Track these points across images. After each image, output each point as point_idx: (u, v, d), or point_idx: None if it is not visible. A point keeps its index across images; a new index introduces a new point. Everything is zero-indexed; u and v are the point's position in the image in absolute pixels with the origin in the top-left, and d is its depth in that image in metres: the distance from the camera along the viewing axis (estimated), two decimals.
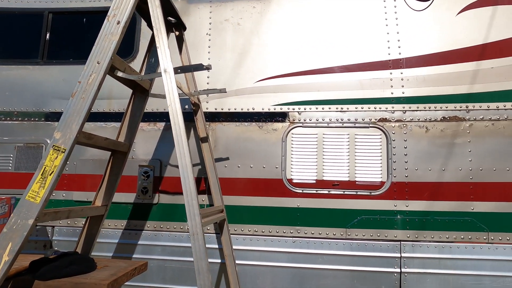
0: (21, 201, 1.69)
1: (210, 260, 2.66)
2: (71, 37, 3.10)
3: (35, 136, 2.94)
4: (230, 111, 2.84)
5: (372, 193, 2.60)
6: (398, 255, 2.53)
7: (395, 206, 2.58)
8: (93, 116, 2.83)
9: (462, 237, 2.52)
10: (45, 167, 1.74)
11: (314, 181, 2.67)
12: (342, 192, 2.63)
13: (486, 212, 2.51)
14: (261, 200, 2.71)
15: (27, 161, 2.91)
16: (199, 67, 2.08)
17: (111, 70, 2.02)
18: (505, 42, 2.64)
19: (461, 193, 2.54)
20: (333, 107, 2.72)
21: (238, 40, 2.89)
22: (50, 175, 1.74)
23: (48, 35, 3.04)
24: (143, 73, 2.44)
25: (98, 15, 3.05)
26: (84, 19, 3.06)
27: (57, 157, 1.75)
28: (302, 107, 2.76)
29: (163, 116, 2.90)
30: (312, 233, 2.63)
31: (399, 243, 2.54)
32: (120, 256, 2.70)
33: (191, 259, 2.68)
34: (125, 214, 2.78)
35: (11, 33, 3.14)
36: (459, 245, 2.51)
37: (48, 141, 2.93)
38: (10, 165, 2.91)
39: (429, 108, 2.64)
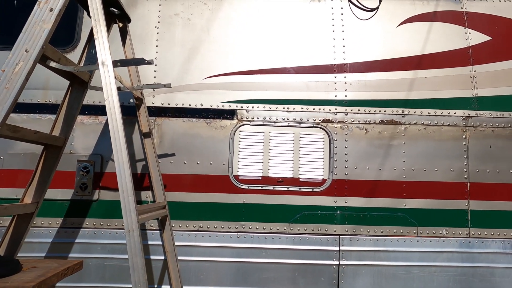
0: None
1: (154, 257, 2.47)
2: None
3: None
4: (178, 106, 2.61)
5: (314, 190, 2.51)
6: (337, 248, 2.47)
7: (335, 202, 2.51)
8: (26, 107, 2.49)
9: (395, 231, 2.52)
10: None
11: (260, 178, 2.53)
12: (286, 189, 2.52)
13: (416, 209, 2.54)
14: (207, 196, 2.53)
15: None
16: (141, 61, 1.88)
17: (42, 60, 1.76)
18: (438, 55, 2.69)
19: (395, 191, 2.54)
20: (280, 106, 2.60)
21: (187, 36, 2.66)
22: None
23: None
24: (82, 64, 2.14)
25: None
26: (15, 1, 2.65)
27: None
28: (250, 106, 2.60)
29: (105, 110, 2.58)
30: (257, 228, 2.49)
31: (338, 237, 2.49)
32: (54, 256, 2.38)
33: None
34: (61, 211, 2.45)
35: None
36: (392, 239, 2.51)
37: None
38: None
39: (369, 111, 2.61)
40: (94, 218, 2.48)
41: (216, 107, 2.61)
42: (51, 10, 1.72)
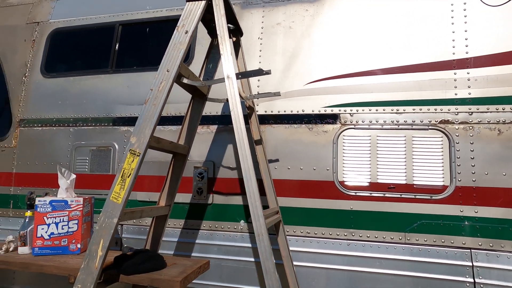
0: (107, 202, 1.65)
1: None
2: (134, 46, 2.92)
3: (105, 140, 2.78)
4: (280, 113, 2.45)
5: (433, 197, 2.09)
6: (469, 263, 2.02)
7: (461, 211, 2.07)
8: None
9: None
10: (124, 170, 1.66)
11: (368, 184, 2.21)
12: (399, 195, 2.15)
13: None
14: (312, 202, 2.34)
15: (99, 163, 2.75)
16: (259, 72, 1.82)
17: (178, 77, 1.85)
18: None
19: None
20: (388, 108, 2.23)
21: (289, 43, 2.49)
22: (128, 177, 1.65)
23: (117, 45, 2.84)
24: (201, 79, 2.14)
25: (159, 24, 2.82)
26: (147, 29, 2.83)
27: (133, 160, 1.67)
28: (354, 109, 2.29)
29: (216, 119, 2.59)
30: (368, 236, 2.19)
31: (470, 251, 2.04)
32: (180, 254, 2.45)
33: (246, 258, 2.40)
34: (182, 213, 2.53)
35: (88, 47, 3.04)
36: None
37: (116, 145, 2.74)
38: (87, 167, 2.75)
39: (503, 109, 2.06)
40: (209, 221, 2.49)
41: (318, 112, 2.38)
42: (186, 32, 1.79)
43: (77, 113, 2.86)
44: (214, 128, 2.58)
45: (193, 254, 2.46)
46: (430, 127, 2.15)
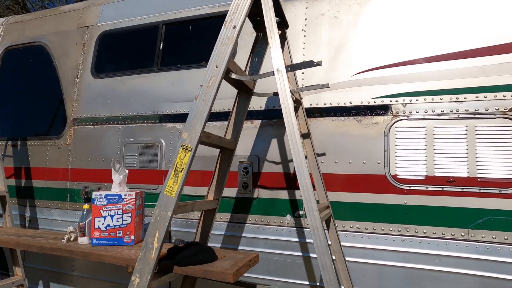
0: (161, 195, 1.66)
1: (314, 255, 2.27)
2: (178, 45, 2.94)
3: (152, 136, 2.82)
4: (326, 106, 2.35)
5: (503, 191, 1.89)
6: None
7: None
8: None
9: None
10: (176, 165, 1.67)
11: (424, 177, 2.06)
12: (460, 189, 1.98)
13: None
14: (361, 196, 2.23)
15: (147, 159, 2.80)
16: (310, 64, 1.75)
17: (226, 73, 1.82)
18: None
19: None
20: (446, 97, 2.07)
21: (334, 34, 2.38)
22: (181, 171, 1.66)
23: (161, 44, 2.88)
24: (246, 73, 2.09)
25: (201, 22, 2.82)
26: (190, 27, 2.83)
27: (185, 155, 1.66)
28: (407, 99, 2.15)
29: (259, 114, 2.55)
30: (425, 232, 2.05)
31: None
32: (227, 247, 2.43)
33: (293, 253, 2.34)
34: (228, 207, 2.50)
35: (134, 47, 3.11)
36: None
37: (162, 141, 2.78)
38: (135, 163, 2.82)
39: None
40: (255, 215, 2.45)
41: (367, 104, 2.25)
42: (234, 27, 1.75)
43: (125, 111, 2.94)
44: (258, 123, 2.54)
45: (239, 248, 2.44)
46: (497, 115, 1.96)
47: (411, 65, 2.16)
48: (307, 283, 2.27)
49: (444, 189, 2.02)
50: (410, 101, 2.14)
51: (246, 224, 2.45)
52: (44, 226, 3.16)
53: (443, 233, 2.00)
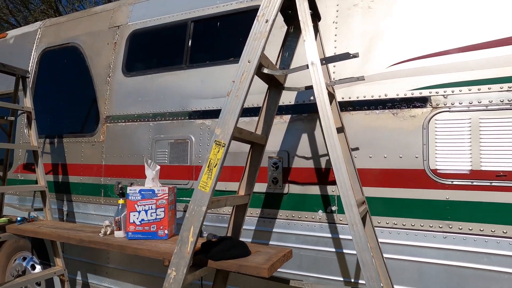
0: (195, 191, 1.67)
1: (347, 251, 2.20)
2: (206, 42, 2.91)
3: (182, 133, 2.84)
4: (359, 99, 2.25)
5: None
6: None
7: None
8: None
9: None
10: (210, 160, 1.67)
11: (468, 172, 1.93)
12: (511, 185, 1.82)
13: None
14: (397, 192, 2.12)
15: (177, 155, 2.82)
16: (346, 56, 1.68)
17: (258, 68, 1.78)
18: None
19: None
20: (495, 86, 1.91)
21: (367, 25, 2.28)
22: (214, 167, 1.66)
23: (190, 42, 2.87)
24: (277, 68, 2.04)
25: (229, 18, 2.79)
26: (218, 23, 2.81)
27: (219, 151, 1.66)
28: (448, 90, 2.02)
29: (289, 109, 2.49)
30: (470, 229, 1.92)
31: None
32: (258, 242, 2.40)
33: (325, 248, 2.27)
34: (258, 203, 2.48)
35: (163, 45, 3.13)
36: None
37: (192, 137, 2.78)
38: (166, 158, 2.85)
39: None
40: (285, 210, 2.40)
41: (404, 96, 2.14)
42: (267, 21, 1.71)
43: (156, 108, 2.97)
44: (287, 118, 2.48)
45: (270, 243, 2.40)
46: None
47: (453, 54, 2.02)
48: (341, 279, 2.20)
49: (493, 183, 1.88)
50: (452, 92, 2.01)
51: (277, 219, 2.41)
52: (80, 220, 3.27)
53: (493, 230, 1.86)
